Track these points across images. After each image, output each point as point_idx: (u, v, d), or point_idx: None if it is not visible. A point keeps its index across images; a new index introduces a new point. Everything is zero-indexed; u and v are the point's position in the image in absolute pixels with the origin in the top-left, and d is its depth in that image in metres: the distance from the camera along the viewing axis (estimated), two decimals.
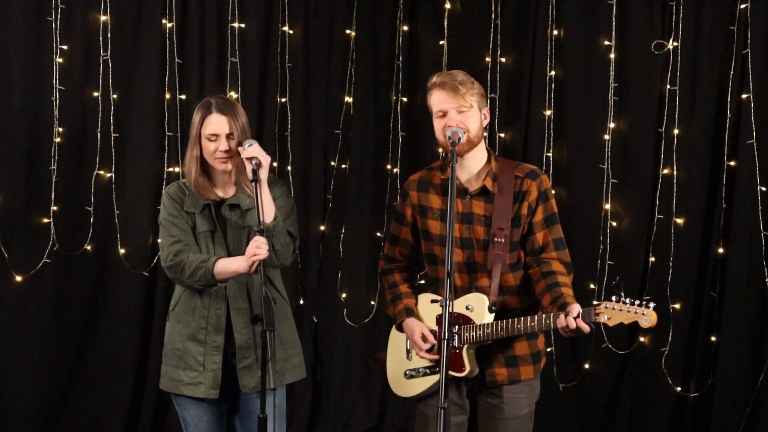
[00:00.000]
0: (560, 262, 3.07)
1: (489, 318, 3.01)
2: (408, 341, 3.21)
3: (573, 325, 2.84)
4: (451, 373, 3.04)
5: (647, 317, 2.82)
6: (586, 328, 2.85)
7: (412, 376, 3.17)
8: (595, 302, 2.93)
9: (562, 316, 2.86)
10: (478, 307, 3.03)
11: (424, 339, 3.11)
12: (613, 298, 2.88)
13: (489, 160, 3.11)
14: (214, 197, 3.18)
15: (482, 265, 3.06)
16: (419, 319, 3.18)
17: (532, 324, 2.93)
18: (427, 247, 3.17)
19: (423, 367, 3.14)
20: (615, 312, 2.85)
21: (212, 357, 3.14)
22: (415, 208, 3.18)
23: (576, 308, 2.86)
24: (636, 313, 2.83)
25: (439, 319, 3.10)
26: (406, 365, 3.21)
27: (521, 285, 3.12)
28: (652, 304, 2.84)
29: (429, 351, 3.12)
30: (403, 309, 3.18)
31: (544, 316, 2.92)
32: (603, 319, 2.86)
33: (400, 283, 3.26)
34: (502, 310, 3.06)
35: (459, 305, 3.03)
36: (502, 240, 3.02)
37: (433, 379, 3.12)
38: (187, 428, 3.23)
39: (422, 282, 3.49)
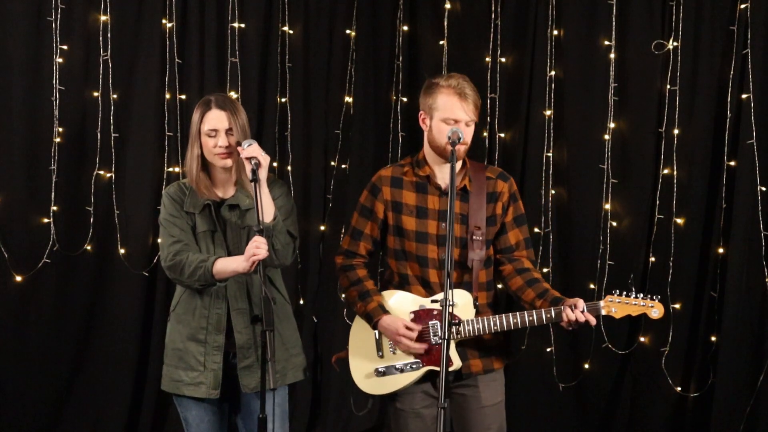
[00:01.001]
0: (529, 260, 3.21)
1: (473, 314, 3.06)
2: (380, 338, 3.18)
3: (582, 318, 2.96)
4: (436, 368, 3.05)
5: (656, 308, 3.01)
6: (593, 320, 2.97)
7: (384, 374, 3.16)
8: (596, 301, 3.00)
9: (568, 309, 2.96)
10: (462, 304, 3.06)
11: (410, 330, 3.10)
12: (615, 291, 3.01)
13: (464, 161, 3.17)
14: (214, 197, 3.18)
15: (457, 262, 3.10)
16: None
17: (530, 318, 3.01)
18: (398, 243, 3.18)
19: (402, 364, 3.13)
20: (621, 305, 3.00)
21: (213, 357, 3.14)
22: (388, 204, 3.19)
23: (581, 302, 2.97)
24: (643, 305, 3.00)
25: (415, 316, 3.12)
26: (378, 363, 3.18)
27: (488, 281, 3.20)
28: (657, 297, 3.01)
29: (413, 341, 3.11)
30: (378, 307, 3.16)
31: (543, 310, 3.01)
32: (610, 311, 3.00)
33: (365, 279, 3.23)
34: None
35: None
36: (480, 238, 3.11)
37: (411, 376, 3.13)
38: (189, 429, 3.23)
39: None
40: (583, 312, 2.95)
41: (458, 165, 3.13)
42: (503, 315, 3.04)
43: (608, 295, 3.01)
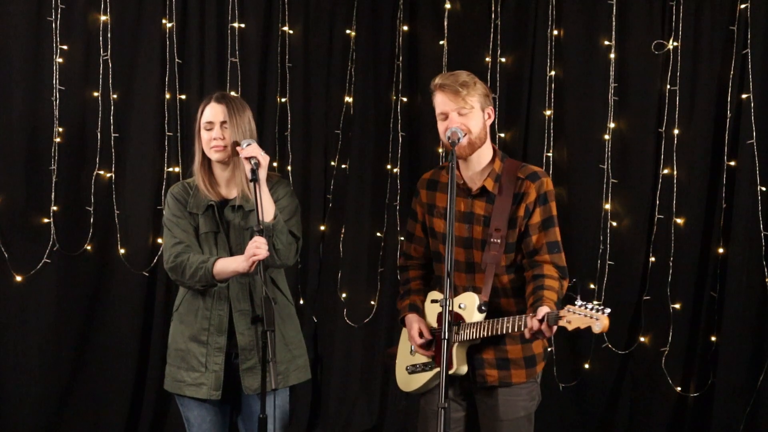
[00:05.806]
0: (553, 266, 3.02)
1: (478, 317, 3.00)
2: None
3: (536, 326, 2.82)
4: (438, 369, 3.05)
5: (599, 323, 2.73)
6: (547, 332, 2.82)
7: (413, 372, 3.20)
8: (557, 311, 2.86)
9: (528, 318, 2.85)
10: (469, 306, 3.03)
11: (421, 335, 3.13)
12: (577, 302, 2.78)
13: (493, 160, 3.10)
14: (217, 197, 3.17)
15: (477, 265, 3.07)
16: (423, 316, 3.19)
17: (507, 325, 2.91)
18: (434, 245, 3.19)
19: (421, 363, 3.17)
20: (575, 316, 2.77)
21: (214, 358, 3.14)
22: (424, 206, 3.20)
23: (541, 311, 2.82)
24: (591, 318, 2.74)
25: (439, 317, 3.09)
26: (409, 360, 3.23)
27: (516, 287, 3.10)
28: (607, 310, 2.75)
29: (426, 347, 3.13)
30: (408, 305, 3.21)
31: (517, 317, 2.90)
32: (564, 323, 2.78)
33: (413, 279, 3.27)
34: (495, 311, 3.03)
35: (454, 304, 2.99)
36: (498, 241, 3.02)
37: (427, 376, 3.15)
38: (191, 429, 3.23)
39: None
40: (542, 321, 2.79)
41: (484, 162, 3.08)
42: (489, 320, 2.95)
43: (569, 305, 2.78)
